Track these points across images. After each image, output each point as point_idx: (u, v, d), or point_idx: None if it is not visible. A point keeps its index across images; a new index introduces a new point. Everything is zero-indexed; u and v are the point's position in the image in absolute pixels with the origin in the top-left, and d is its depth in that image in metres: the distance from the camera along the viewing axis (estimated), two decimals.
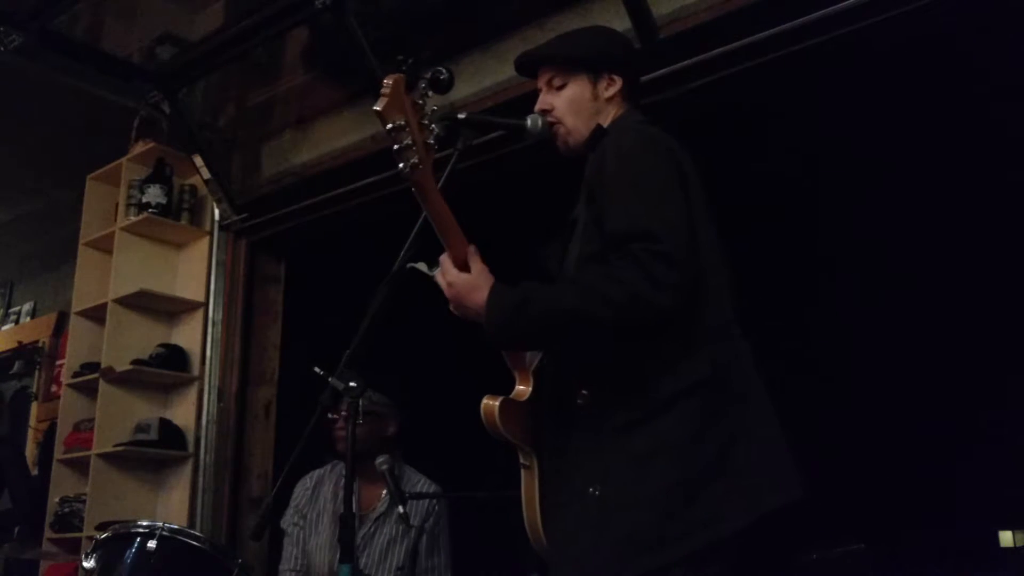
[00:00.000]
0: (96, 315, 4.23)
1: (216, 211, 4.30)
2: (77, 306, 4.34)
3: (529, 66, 2.08)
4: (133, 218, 4.20)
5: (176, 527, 2.57)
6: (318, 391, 1.83)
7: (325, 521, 3.06)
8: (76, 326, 4.35)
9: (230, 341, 4.20)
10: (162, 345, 4.18)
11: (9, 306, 6.12)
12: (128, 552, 2.49)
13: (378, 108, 1.58)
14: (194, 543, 2.56)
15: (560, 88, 1.99)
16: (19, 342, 5.73)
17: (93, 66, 4.02)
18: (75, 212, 4.57)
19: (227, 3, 4.20)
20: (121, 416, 4.03)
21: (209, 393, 4.11)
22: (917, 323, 3.20)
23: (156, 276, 4.24)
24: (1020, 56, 2.72)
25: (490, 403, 1.81)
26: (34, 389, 5.54)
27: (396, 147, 1.59)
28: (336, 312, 2.96)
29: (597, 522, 1.65)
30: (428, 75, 1.74)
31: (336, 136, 4.02)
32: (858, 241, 3.34)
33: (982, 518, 2.88)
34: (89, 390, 4.15)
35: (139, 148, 4.37)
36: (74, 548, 3.92)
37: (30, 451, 5.17)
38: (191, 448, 4.06)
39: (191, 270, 4.32)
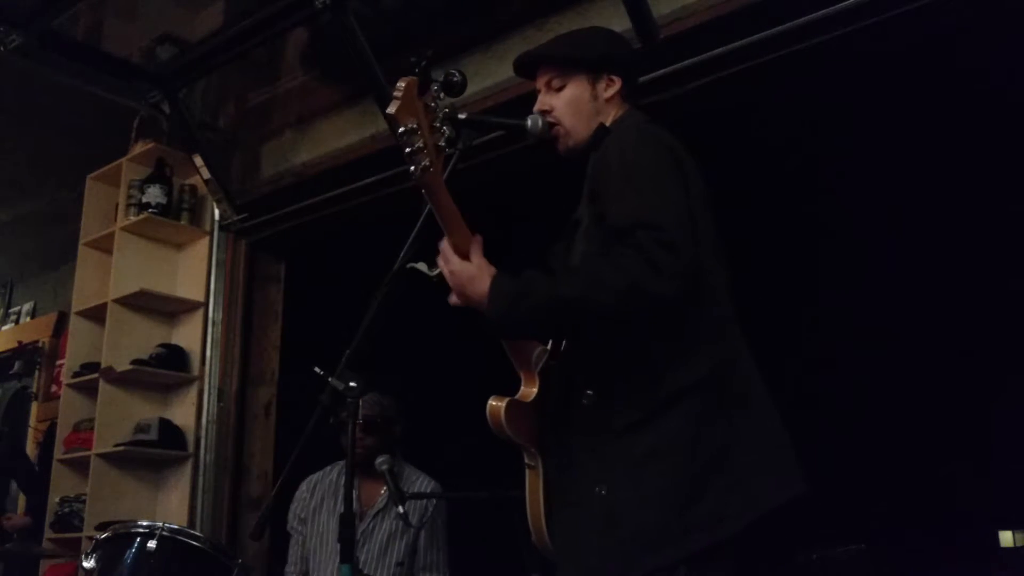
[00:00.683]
0: (96, 315, 4.23)
1: (216, 211, 4.30)
2: (77, 306, 4.34)
3: (528, 67, 2.08)
4: (133, 218, 4.21)
5: (176, 527, 2.57)
6: (318, 391, 1.83)
7: (325, 521, 3.08)
8: (76, 326, 4.35)
9: (230, 341, 4.20)
10: (162, 345, 4.18)
11: (9, 306, 6.12)
12: (128, 552, 2.50)
13: (391, 111, 1.58)
14: (194, 543, 2.57)
15: (559, 89, 1.99)
16: (19, 342, 5.74)
17: (93, 66, 4.02)
18: (75, 212, 4.57)
19: (227, 3, 4.20)
20: (121, 416, 4.03)
21: (209, 393, 4.11)
22: (918, 323, 3.19)
23: (156, 276, 4.24)
24: (1020, 56, 2.72)
25: (496, 404, 1.80)
26: (34, 389, 5.54)
27: (408, 150, 1.58)
28: (336, 312, 2.96)
29: (602, 522, 1.66)
30: (441, 78, 1.74)
31: (336, 136, 4.02)
32: (859, 240, 3.33)
33: (982, 518, 2.88)
34: (89, 390, 4.15)
35: (139, 148, 4.37)
36: (74, 548, 3.92)
37: (30, 451, 5.17)
38: (191, 448, 4.06)
39: (191, 270, 4.32)
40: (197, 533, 2.79)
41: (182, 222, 4.31)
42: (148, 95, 4.12)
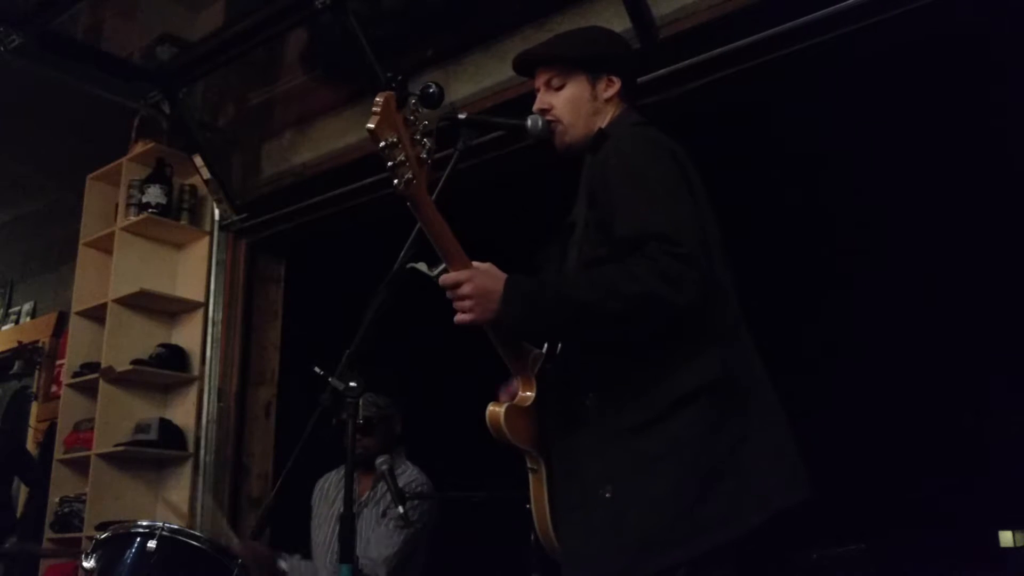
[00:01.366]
0: (96, 315, 4.23)
1: (216, 211, 4.30)
2: (77, 306, 4.34)
3: (527, 66, 2.08)
4: (133, 218, 4.20)
5: (176, 527, 2.57)
6: (318, 391, 1.83)
7: (328, 520, 3.11)
8: (76, 326, 4.35)
9: (230, 341, 4.20)
10: (162, 345, 4.18)
11: (9, 306, 6.11)
12: (128, 552, 2.49)
13: (370, 127, 1.60)
14: (194, 543, 2.56)
15: (559, 88, 1.99)
16: (19, 342, 5.73)
17: (93, 66, 4.02)
18: (75, 212, 4.57)
19: (227, 3, 4.21)
20: (121, 416, 4.03)
21: (209, 393, 4.11)
22: (918, 323, 3.20)
23: (156, 276, 4.23)
24: (1021, 56, 2.72)
25: (495, 410, 1.81)
26: (34, 389, 5.54)
27: (389, 164, 1.61)
28: (336, 312, 2.96)
29: (609, 524, 1.66)
30: (418, 91, 1.75)
31: (336, 136, 4.02)
32: (860, 241, 3.34)
33: (982, 518, 2.88)
34: (89, 390, 4.15)
35: (139, 148, 4.37)
36: (74, 548, 3.92)
37: (30, 450, 5.18)
38: (191, 448, 4.06)
39: (191, 270, 4.32)
40: (197, 533, 2.79)
41: (182, 222, 4.30)
42: (148, 95, 4.12)
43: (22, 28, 3.57)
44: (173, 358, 4.15)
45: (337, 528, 2.66)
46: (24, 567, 4.14)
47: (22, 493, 5.00)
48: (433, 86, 1.79)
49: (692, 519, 1.62)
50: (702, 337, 1.71)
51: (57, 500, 4.12)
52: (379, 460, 2.72)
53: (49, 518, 4.11)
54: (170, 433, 4.03)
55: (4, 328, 6.01)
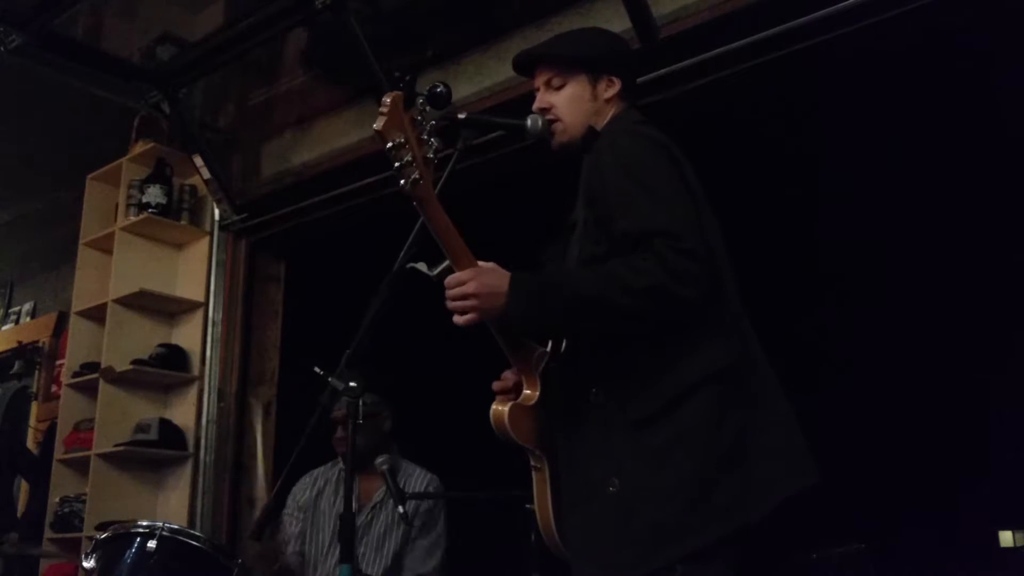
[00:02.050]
0: (96, 315, 4.23)
1: (216, 211, 4.30)
2: (77, 306, 4.34)
3: (527, 65, 2.08)
4: (133, 218, 4.20)
5: (176, 527, 2.57)
6: (318, 391, 1.83)
7: (326, 520, 3.10)
8: (76, 326, 4.35)
9: (230, 341, 4.20)
10: (162, 345, 4.18)
11: (9, 306, 6.11)
12: (128, 552, 2.49)
13: (377, 127, 1.60)
14: (194, 543, 2.56)
15: (559, 88, 1.99)
16: (19, 342, 5.73)
17: (93, 66, 4.02)
18: (75, 212, 4.56)
19: (227, 3, 4.21)
20: (121, 416, 4.03)
21: (209, 393, 4.11)
22: (918, 322, 3.19)
23: (156, 276, 4.23)
24: (1021, 56, 2.72)
25: (499, 409, 1.82)
26: (34, 389, 5.54)
27: (396, 164, 1.61)
28: (336, 312, 2.96)
29: (617, 517, 1.67)
30: (426, 91, 1.76)
31: (336, 136, 4.02)
32: (860, 240, 3.34)
33: (982, 518, 2.88)
34: (89, 390, 4.15)
35: (139, 148, 4.37)
36: (74, 548, 3.92)
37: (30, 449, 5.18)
38: (191, 448, 4.06)
39: (191, 270, 4.32)
40: (197, 533, 2.79)
41: (182, 222, 4.30)
42: (148, 95, 4.11)
43: (22, 28, 3.57)
44: (173, 358, 4.15)
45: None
46: (24, 567, 4.14)
47: (23, 493, 5.00)
48: (441, 86, 1.80)
49: (700, 509, 1.63)
50: (704, 329, 1.72)
51: (57, 500, 4.12)
52: (379, 460, 2.72)
53: (49, 518, 4.10)
54: (170, 433, 4.03)
55: (4, 328, 6.01)
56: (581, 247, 1.83)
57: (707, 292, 1.65)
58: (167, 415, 4.13)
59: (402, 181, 1.62)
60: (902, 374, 3.17)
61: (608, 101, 1.98)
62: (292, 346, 4.33)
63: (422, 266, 1.78)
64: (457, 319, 1.71)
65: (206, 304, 4.22)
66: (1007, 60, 2.78)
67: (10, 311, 6.07)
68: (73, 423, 4.20)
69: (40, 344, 5.61)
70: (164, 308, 4.28)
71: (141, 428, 3.98)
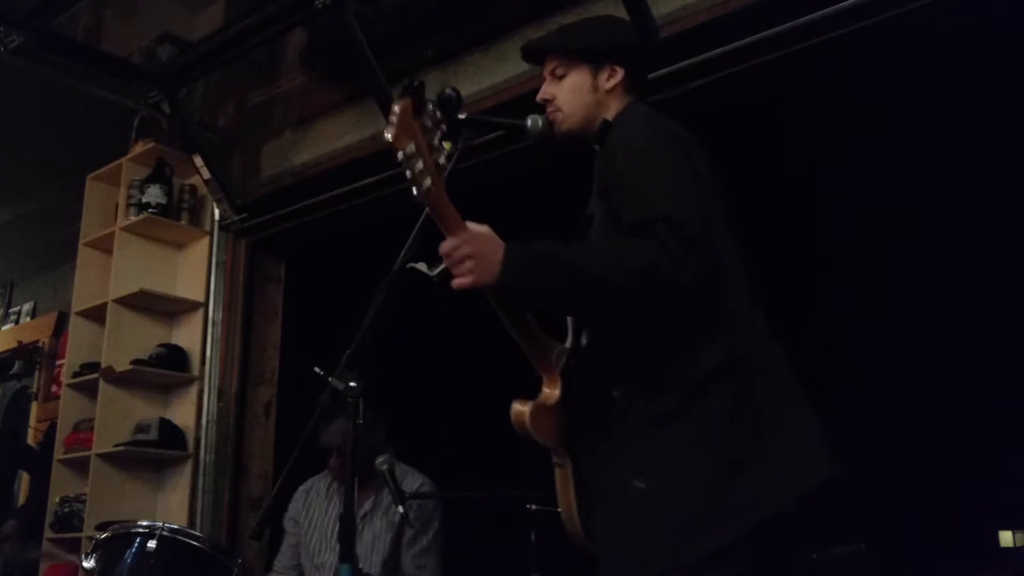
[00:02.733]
0: (96, 315, 4.23)
1: (216, 211, 4.30)
2: (77, 306, 4.34)
3: (536, 55, 2.07)
4: (133, 218, 4.20)
5: (176, 527, 2.57)
6: (318, 391, 1.83)
7: (319, 524, 3.11)
8: (76, 326, 4.35)
9: (230, 341, 4.20)
10: (162, 345, 4.18)
11: (9, 306, 6.12)
12: (128, 552, 2.50)
13: (388, 137, 1.58)
14: (194, 543, 2.57)
15: (562, 78, 1.99)
16: (19, 342, 5.73)
17: (93, 66, 4.02)
18: (75, 212, 4.56)
19: (227, 3, 4.20)
20: (121, 416, 4.03)
21: (209, 393, 4.11)
22: (918, 322, 3.19)
23: (156, 276, 4.24)
24: (1020, 56, 2.72)
25: (520, 408, 1.82)
26: (34, 389, 5.54)
27: (408, 173, 1.59)
28: (336, 312, 2.96)
29: (642, 515, 1.68)
30: (435, 96, 1.74)
31: (336, 136, 4.02)
32: (860, 240, 3.34)
33: (982, 518, 2.88)
34: (89, 390, 4.15)
35: (139, 148, 4.37)
36: (74, 548, 3.92)
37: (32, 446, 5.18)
38: (191, 448, 4.06)
39: (191, 270, 4.32)
40: (197, 533, 2.79)
41: (182, 222, 4.31)
42: (148, 95, 4.11)
43: (22, 28, 3.57)
44: (173, 358, 4.15)
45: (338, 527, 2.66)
46: (23, 568, 4.14)
47: (23, 494, 5.00)
48: (451, 90, 1.80)
49: (721, 506, 1.63)
50: (714, 323, 1.72)
51: (57, 500, 4.12)
52: (379, 460, 2.72)
53: (49, 518, 4.10)
54: (170, 433, 4.03)
55: (4, 328, 6.01)
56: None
57: (704, 280, 1.64)
58: (167, 415, 4.13)
59: (415, 190, 1.60)
60: (902, 374, 3.17)
61: (611, 92, 1.97)
62: (292, 346, 4.33)
63: (422, 266, 1.78)
64: (456, 282, 1.67)
65: (206, 304, 4.22)
66: (1007, 60, 2.78)
67: (10, 311, 6.07)
68: (73, 423, 4.20)
69: (40, 344, 5.61)
70: (164, 308, 4.28)
71: (141, 428, 3.98)
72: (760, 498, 1.65)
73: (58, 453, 4.19)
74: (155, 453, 4.02)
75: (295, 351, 4.30)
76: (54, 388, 5.32)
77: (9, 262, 6.18)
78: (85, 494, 3.96)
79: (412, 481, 3.07)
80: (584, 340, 1.88)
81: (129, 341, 4.12)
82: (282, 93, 4.29)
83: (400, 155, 1.57)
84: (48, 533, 4.08)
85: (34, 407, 5.47)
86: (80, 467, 4.07)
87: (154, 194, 4.20)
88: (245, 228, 4.23)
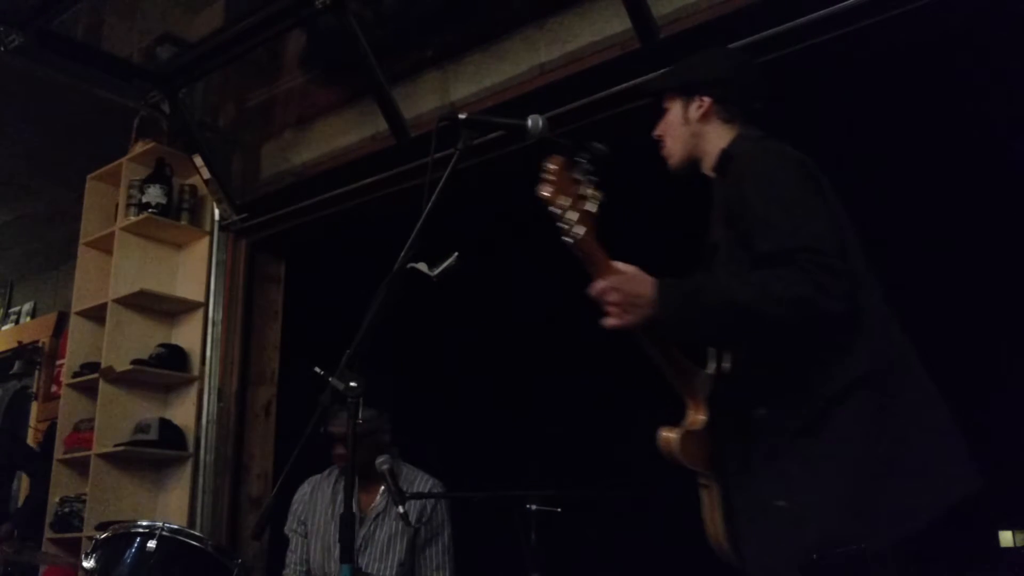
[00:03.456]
0: (96, 315, 4.23)
1: (216, 211, 4.30)
2: (77, 306, 4.34)
3: (652, 97, 2.18)
4: (133, 218, 4.21)
5: (176, 527, 2.57)
6: (318, 391, 1.83)
7: (325, 524, 3.07)
8: (76, 326, 4.35)
9: (230, 341, 4.20)
10: (162, 345, 4.18)
11: (9, 306, 6.12)
12: (128, 552, 2.49)
13: (544, 194, 1.73)
14: (194, 543, 2.56)
15: (665, 113, 2.10)
16: (19, 342, 5.74)
17: (93, 66, 4.02)
18: (75, 212, 4.57)
19: (227, 3, 4.20)
20: (121, 416, 4.03)
21: (209, 393, 4.11)
22: (916, 322, 3.19)
23: (156, 276, 4.24)
24: (1021, 56, 2.72)
25: (668, 435, 1.87)
26: (34, 389, 5.55)
27: (563, 224, 1.73)
28: (336, 312, 2.96)
29: (788, 531, 1.71)
30: (587, 153, 1.84)
31: (336, 136, 4.02)
32: (860, 240, 3.34)
33: (982, 518, 2.88)
34: (89, 390, 4.15)
35: (139, 148, 4.37)
36: (74, 548, 3.92)
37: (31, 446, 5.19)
38: (191, 448, 4.06)
39: (191, 270, 4.32)
40: (197, 533, 2.79)
41: (182, 222, 4.31)
42: (148, 95, 4.12)
43: (22, 28, 3.57)
44: (173, 358, 4.15)
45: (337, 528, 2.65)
46: (23, 568, 4.14)
47: (22, 495, 5.01)
48: (602, 147, 1.86)
49: (868, 517, 1.66)
50: (851, 340, 1.75)
51: (57, 500, 4.12)
52: (379, 460, 2.71)
53: (49, 518, 4.11)
54: (170, 433, 4.03)
55: (4, 328, 6.02)
56: (728, 270, 1.87)
57: (852, 305, 1.69)
58: (167, 415, 4.13)
59: (567, 239, 1.74)
60: None
61: (703, 121, 2.04)
62: (292, 346, 4.33)
63: (422, 266, 1.78)
64: (607, 323, 1.75)
65: (206, 304, 4.22)
66: (1007, 61, 2.78)
67: (10, 311, 6.08)
68: (73, 423, 4.21)
69: (40, 344, 5.62)
70: (164, 308, 4.28)
71: (141, 428, 3.99)
72: (906, 511, 1.67)
73: (58, 453, 4.19)
74: (155, 453, 4.02)
75: (295, 351, 4.30)
76: (54, 388, 5.32)
77: (9, 262, 6.19)
78: (85, 494, 3.96)
79: (422, 484, 3.04)
80: (727, 364, 1.92)
81: (129, 341, 4.12)
82: (282, 93, 4.30)
83: (554, 210, 1.73)
84: (48, 533, 4.09)
85: (34, 407, 5.48)
86: (80, 467, 4.08)
87: (154, 194, 4.21)
88: (245, 228, 4.24)
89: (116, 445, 3.94)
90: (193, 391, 4.14)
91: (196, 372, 4.16)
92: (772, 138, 1.97)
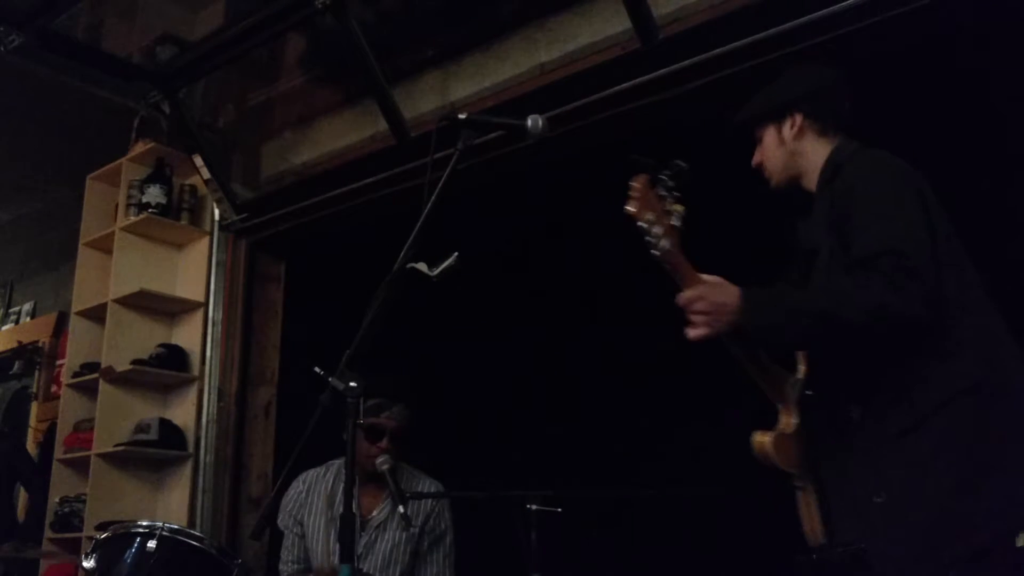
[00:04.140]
0: (96, 315, 4.23)
1: (216, 211, 4.30)
2: (77, 306, 4.34)
3: (744, 129, 2.22)
4: (133, 218, 4.21)
5: (176, 527, 2.57)
6: (318, 391, 1.83)
7: (322, 523, 3.00)
8: (76, 326, 4.35)
9: (230, 341, 4.20)
10: (162, 345, 4.18)
11: (9, 306, 6.11)
12: (128, 552, 2.49)
13: (631, 211, 1.80)
14: (194, 543, 2.56)
15: (760, 142, 2.15)
16: (19, 342, 5.73)
17: (93, 66, 4.02)
18: (75, 212, 4.57)
19: (227, 3, 4.21)
20: (121, 416, 4.03)
21: (209, 393, 4.11)
22: None
23: (156, 276, 4.24)
24: (1021, 56, 2.72)
25: (762, 439, 1.93)
26: (34, 389, 5.54)
27: (649, 238, 1.80)
28: (336, 312, 2.95)
29: (884, 529, 1.74)
30: (670, 171, 1.91)
31: (336, 136, 4.02)
32: None
33: None
34: (89, 390, 4.15)
35: (139, 148, 4.37)
36: (74, 548, 3.92)
37: (30, 451, 5.17)
38: (191, 448, 4.06)
39: (191, 270, 4.32)
40: (197, 533, 2.79)
41: (182, 222, 4.31)
42: (148, 95, 4.12)
43: (22, 28, 3.57)
44: (173, 358, 4.15)
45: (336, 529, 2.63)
46: (23, 567, 4.14)
47: (22, 495, 5.00)
48: (683, 165, 1.92)
49: (965, 515, 1.68)
50: (959, 342, 1.78)
51: (57, 500, 4.12)
52: (379, 460, 2.69)
53: (49, 518, 4.11)
54: (170, 433, 4.03)
55: (4, 328, 6.01)
56: (829, 276, 1.90)
57: (934, 307, 1.71)
58: (167, 415, 4.13)
59: (655, 252, 1.81)
60: None
61: (799, 139, 2.09)
62: (292, 346, 4.33)
63: (422, 266, 1.78)
64: (692, 333, 1.80)
65: (206, 304, 4.22)
66: (1008, 61, 2.78)
67: (10, 311, 6.07)
68: (73, 423, 4.21)
69: (40, 344, 5.61)
70: (164, 308, 4.28)
71: (141, 428, 3.99)
72: (1003, 511, 1.69)
73: (58, 453, 4.19)
74: (155, 453, 4.02)
75: (295, 351, 4.30)
76: (54, 388, 5.32)
77: (9, 262, 6.18)
78: (85, 494, 3.96)
79: (426, 487, 3.00)
80: (817, 368, 1.96)
81: (129, 341, 4.12)
82: (282, 93, 4.30)
83: (642, 224, 1.79)
84: (48, 533, 4.09)
85: (34, 407, 5.47)
86: (80, 467, 4.07)
87: (154, 194, 4.21)
88: (245, 228, 4.24)
89: (116, 445, 3.94)
90: (193, 391, 4.14)
91: (196, 372, 4.16)
92: (874, 147, 2.01)
